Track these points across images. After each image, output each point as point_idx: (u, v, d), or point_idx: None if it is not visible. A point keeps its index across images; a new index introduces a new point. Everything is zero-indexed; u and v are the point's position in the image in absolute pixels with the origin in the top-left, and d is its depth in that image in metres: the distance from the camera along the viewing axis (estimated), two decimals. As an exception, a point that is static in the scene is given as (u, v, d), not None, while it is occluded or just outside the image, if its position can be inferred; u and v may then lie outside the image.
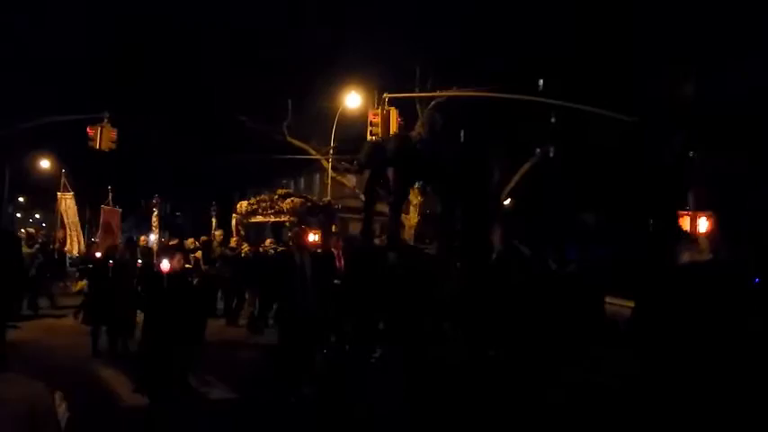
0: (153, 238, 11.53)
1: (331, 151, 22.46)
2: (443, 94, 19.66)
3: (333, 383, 7.63)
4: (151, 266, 8.29)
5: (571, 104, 16.99)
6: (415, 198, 20.65)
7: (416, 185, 19.23)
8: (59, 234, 16.59)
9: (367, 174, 19.18)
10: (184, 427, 6.16)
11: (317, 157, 23.29)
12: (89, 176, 18.85)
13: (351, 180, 23.57)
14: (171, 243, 11.88)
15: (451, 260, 7.31)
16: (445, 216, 8.84)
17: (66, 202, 17.16)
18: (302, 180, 33.34)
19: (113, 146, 18.44)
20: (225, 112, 21.81)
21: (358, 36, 20.31)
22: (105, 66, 25.31)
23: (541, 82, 20.99)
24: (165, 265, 7.04)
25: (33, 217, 51.55)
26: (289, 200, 14.98)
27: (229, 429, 6.30)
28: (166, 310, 6.99)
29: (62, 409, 7.05)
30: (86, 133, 18.19)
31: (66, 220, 16.72)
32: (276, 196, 15.44)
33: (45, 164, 31.89)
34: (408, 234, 19.41)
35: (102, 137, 18.21)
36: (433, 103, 20.87)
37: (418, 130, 19.35)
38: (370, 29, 20.45)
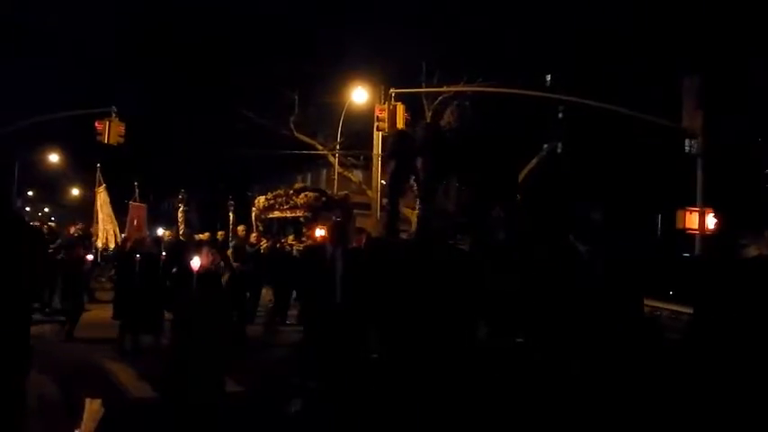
0: (181, 231, 11.60)
1: (337, 146, 22.46)
2: (450, 89, 19.65)
3: (348, 382, 7.61)
4: (179, 262, 8.19)
5: (576, 99, 17.08)
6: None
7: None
8: (94, 228, 16.51)
9: (372, 169, 19.33)
10: (192, 419, 6.17)
11: (324, 152, 23.29)
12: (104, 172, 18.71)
13: (357, 175, 23.61)
14: (200, 238, 11.81)
15: (486, 257, 7.28)
16: (477, 209, 8.75)
17: (101, 196, 17.05)
18: (309, 175, 33.32)
19: (121, 140, 18.43)
20: (231, 108, 21.78)
21: (364, 31, 20.34)
22: (114, 61, 25.30)
23: (549, 77, 21.05)
24: (196, 262, 6.87)
25: (42, 211, 51.25)
26: (303, 194, 14.92)
27: (235, 423, 6.30)
28: (197, 311, 6.88)
29: (85, 406, 7.04)
30: (94, 127, 18.21)
31: (100, 215, 16.60)
32: (292, 191, 15.37)
33: (54, 158, 31.94)
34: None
35: (111, 131, 18.20)
36: (440, 98, 20.89)
37: (447, 119, 19.25)
38: (376, 24, 20.49)
